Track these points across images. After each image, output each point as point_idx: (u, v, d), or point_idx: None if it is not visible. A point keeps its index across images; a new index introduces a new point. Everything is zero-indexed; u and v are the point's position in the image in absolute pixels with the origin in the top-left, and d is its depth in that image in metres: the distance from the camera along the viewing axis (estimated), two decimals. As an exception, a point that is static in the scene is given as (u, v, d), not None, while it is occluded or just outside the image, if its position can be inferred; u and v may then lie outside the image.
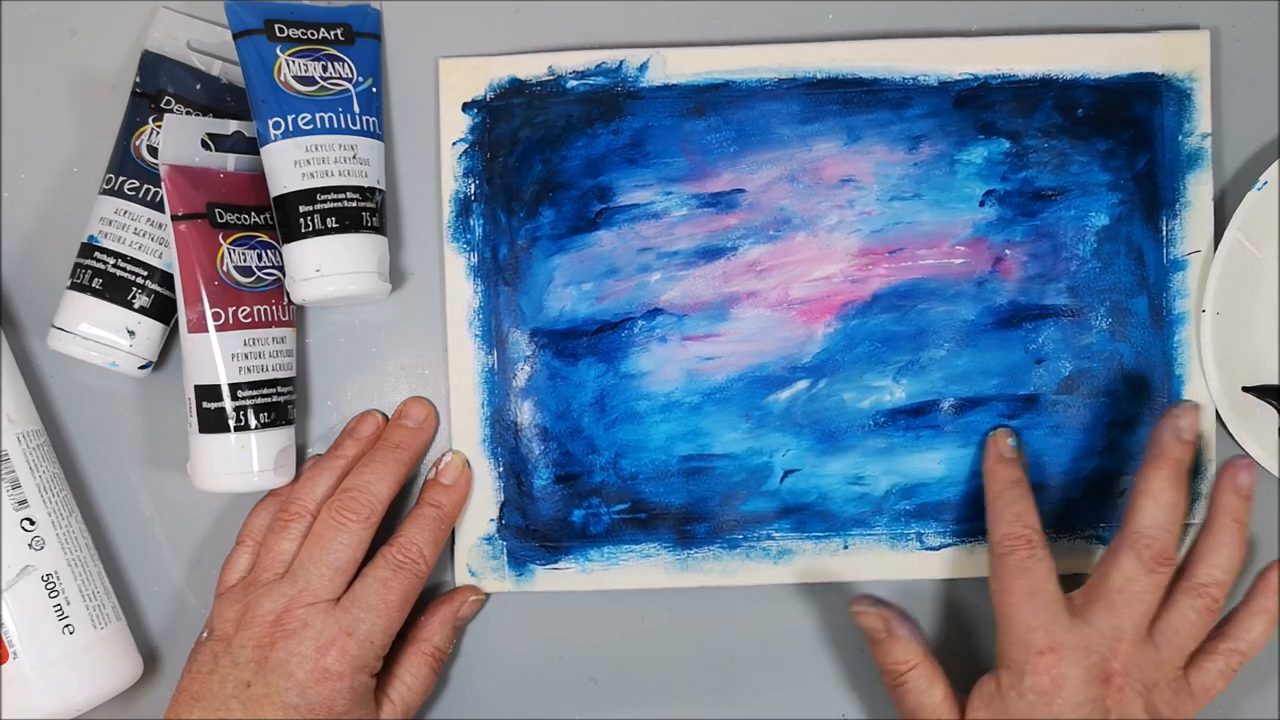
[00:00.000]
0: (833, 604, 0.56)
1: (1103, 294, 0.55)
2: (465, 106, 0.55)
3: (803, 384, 0.55)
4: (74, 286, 0.53)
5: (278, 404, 0.53)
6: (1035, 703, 0.49)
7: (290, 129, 0.51)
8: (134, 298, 0.53)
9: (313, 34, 0.53)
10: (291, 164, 0.51)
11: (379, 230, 0.53)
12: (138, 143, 0.54)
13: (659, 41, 0.56)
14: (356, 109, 0.53)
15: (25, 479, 0.52)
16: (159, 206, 0.53)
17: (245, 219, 0.53)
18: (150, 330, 0.53)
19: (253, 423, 0.52)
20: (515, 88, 0.55)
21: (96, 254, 0.53)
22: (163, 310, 0.53)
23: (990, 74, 0.55)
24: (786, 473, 0.55)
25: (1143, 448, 0.55)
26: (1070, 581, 0.52)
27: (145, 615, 0.57)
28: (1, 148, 0.56)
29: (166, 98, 0.54)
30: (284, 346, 0.53)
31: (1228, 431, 0.55)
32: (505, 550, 0.56)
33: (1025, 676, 0.49)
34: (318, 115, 0.52)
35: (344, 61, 0.53)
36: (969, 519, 0.55)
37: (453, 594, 0.55)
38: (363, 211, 0.52)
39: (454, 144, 0.55)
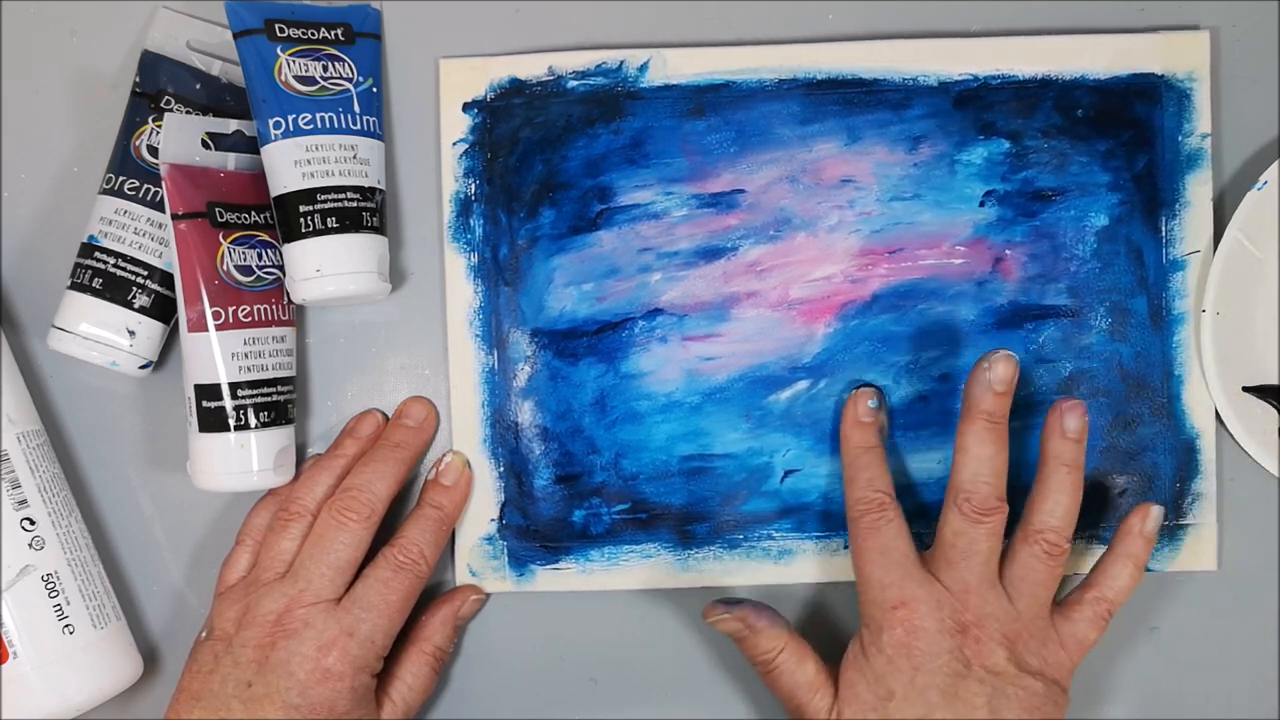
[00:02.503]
0: (833, 604, 0.56)
1: (1102, 294, 0.55)
2: (466, 106, 0.55)
3: (803, 384, 0.55)
4: (74, 286, 0.53)
5: (278, 403, 0.53)
6: (894, 656, 0.49)
7: (290, 129, 0.51)
8: (134, 297, 0.53)
9: (313, 34, 0.53)
10: (292, 164, 0.51)
11: (379, 230, 0.53)
12: (138, 142, 0.54)
13: (659, 42, 0.56)
14: (357, 109, 0.53)
15: (25, 479, 0.52)
16: (159, 206, 0.53)
17: (245, 218, 0.53)
18: (150, 330, 0.53)
19: (252, 422, 0.52)
20: (515, 88, 0.55)
21: (96, 254, 0.53)
22: (163, 310, 0.53)
23: (990, 74, 0.55)
24: (787, 473, 0.55)
25: (1143, 448, 0.55)
26: (1068, 583, 0.53)
27: (145, 615, 0.57)
28: (1, 148, 0.56)
29: (166, 97, 0.54)
30: (284, 346, 0.53)
31: (1228, 431, 0.55)
32: (506, 550, 0.56)
33: (883, 632, 0.49)
34: (318, 115, 0.52)
35: (344, 61, 0.53)
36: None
37: (453, 593, 0.55)
38: (363, 211, 0.52)
39: (454, 144, 0.55)
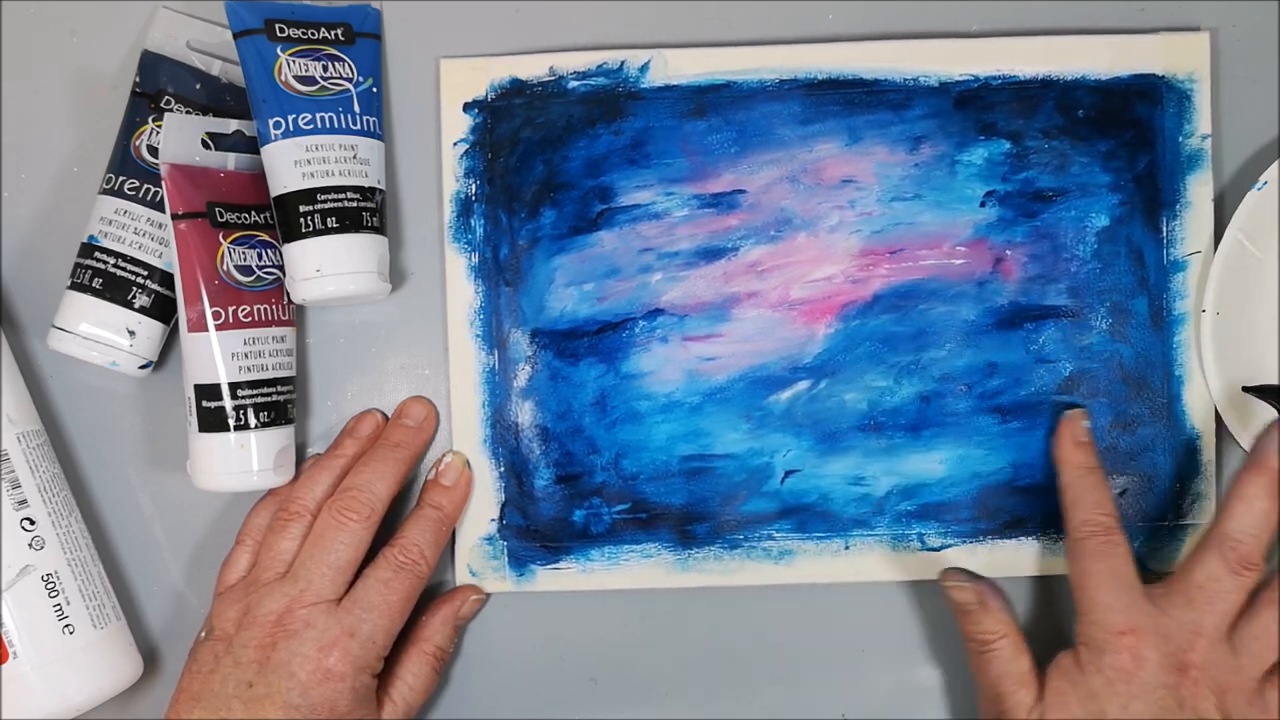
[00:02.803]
0: (833, 604, 0.56)
1: (1103, 295, 0.55)
2: (466, 107, 0.55)
3: (803, 384, 0.55)
4: (74, 286, 0.53)
5: (277, 403, 0.53)
6: (1114, 679, 0.49)
7: (290, 129, 0.51)
8: (134, 297, 0.53)
9: (313, 34, 0.53)
10: (292, 164, 0.51)
11: (379, 230, 0.53)
12: (138, 142, 0.53)
13: (660, 42, 0.56)
14: (357, 109, 0.53)
15: (25, 479, 0.52)
16: (159, 206, 0.53)
17: (245, 218, 0.53)
18: (150, 330, 0.53)
19: (252, 422, 0.52)
20: (516, 88, 0.55)
21: (96, 254, 0.53)
22: (163, 310, 0.53)
23: (991, 75, 0.55)
24: (787, 473, 0.55)
25: (1143, 448, 0.55)
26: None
27: (145, 615, 0.57)
28: (1, 148, 0.56)
29: (166, 97, 0.54)
30: (284, 346, 0.53)
31: (1228, 432, 0.55)
32: (506, 550, 0.56)
33: (1106, 654, 0.49)
34: (318, 115, 0.52)
35: (344, 61, 0.53)
36: (970, 520, 0.55)
37: (453, 593, 0.55)
38: (363, 211, 0.52)
39: (455, 144, 0.55)
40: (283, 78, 0.52)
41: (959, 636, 0.55)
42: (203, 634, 0.52)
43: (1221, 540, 0.50)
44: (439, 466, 0.55)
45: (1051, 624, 0.56)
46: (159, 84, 0.54)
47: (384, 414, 0.56)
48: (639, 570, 0.56)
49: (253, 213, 0.53)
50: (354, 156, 0.52)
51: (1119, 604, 0.50)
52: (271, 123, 0.51)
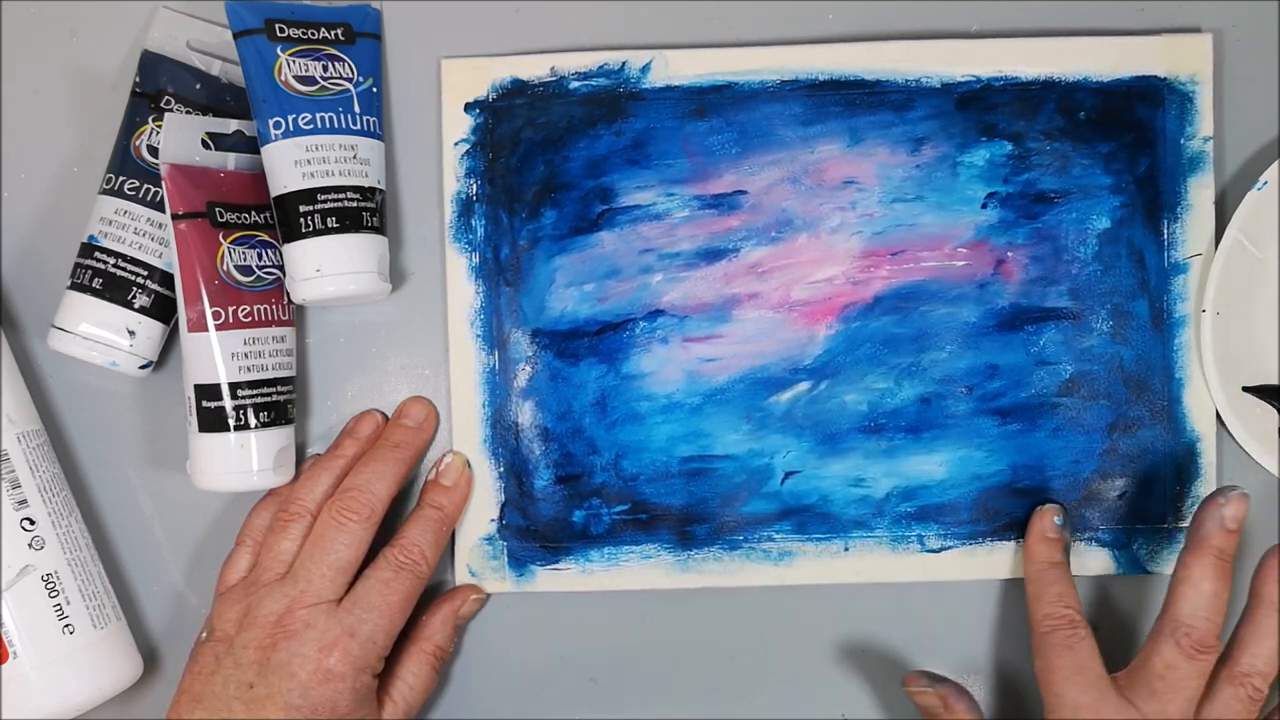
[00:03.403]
0: (833, 605, 0.56)
1: (1104, 297, 0.55)
2: (467, 107, 0.55)
3: (804, 386, 0.55)
4: (74, 286, 0.53)
5: (277, 403, 0.53)
6: None
7: (290, 129, 0.51)
8: (134, 297, 0.53)
9: (313, 34, 0.53)
10: (292, 164, 0.51)
11: (379, 230, 0.53)
12: (138, 142, 0.53)
13: (661, 43, 0.55)
14: (357, 109, 0.53)
15: (25, 479, 0.52)
16: (159, 206, 0.53)
17: (245, 218, 0.53)
18: (150, 330, 0.53)
19: (252, 422, 0.52)
20: (517, 88, 0.55)
21: (96, 254, 0.53)
22: (163, 310, 0.53)
23: (992, 76, 0.55)
24: (787, 474, 0.55)
25: (1143, 450, 0.55)
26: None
27: (145, 615, 0.57)
28: (1, 148, 0.56)
29: (166, 97, 0.54)
30: (284, 346, 0.53)
31: (1228, 432, 0.55)
32: (506, 550, 0.56)
33: None
34: (318, 115, 0.52)
35: (344, 61, 0.53)
36: (970, 521, 0.55)
37: (453, 593, 0.55)
38: (363, 211, 0.52)
39: (456, 144, 0.55)
40: (283, 78, 0.52)
41: (959, 636, 0.55)
42: (203, 635, 0.52)
43: (1175, 627, 0.50)
44: (439, 467, 0.55)
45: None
46: (159, 84, 0.54)
47: (384, 414, 0.56)
48: (639, 571, 0.56)
49: (253, 213, 0.53)
50: (354, 156, 0.52)
51: (1086, 700, 0.50)
52: (271, 123, 0.51)
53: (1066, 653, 0.50)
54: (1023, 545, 0.55)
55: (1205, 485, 0.55)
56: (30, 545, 0.51)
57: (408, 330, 0.56)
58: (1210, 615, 0.50)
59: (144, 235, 0.53)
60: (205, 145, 0.52)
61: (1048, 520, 0.54)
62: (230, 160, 0.53)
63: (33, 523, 0.51)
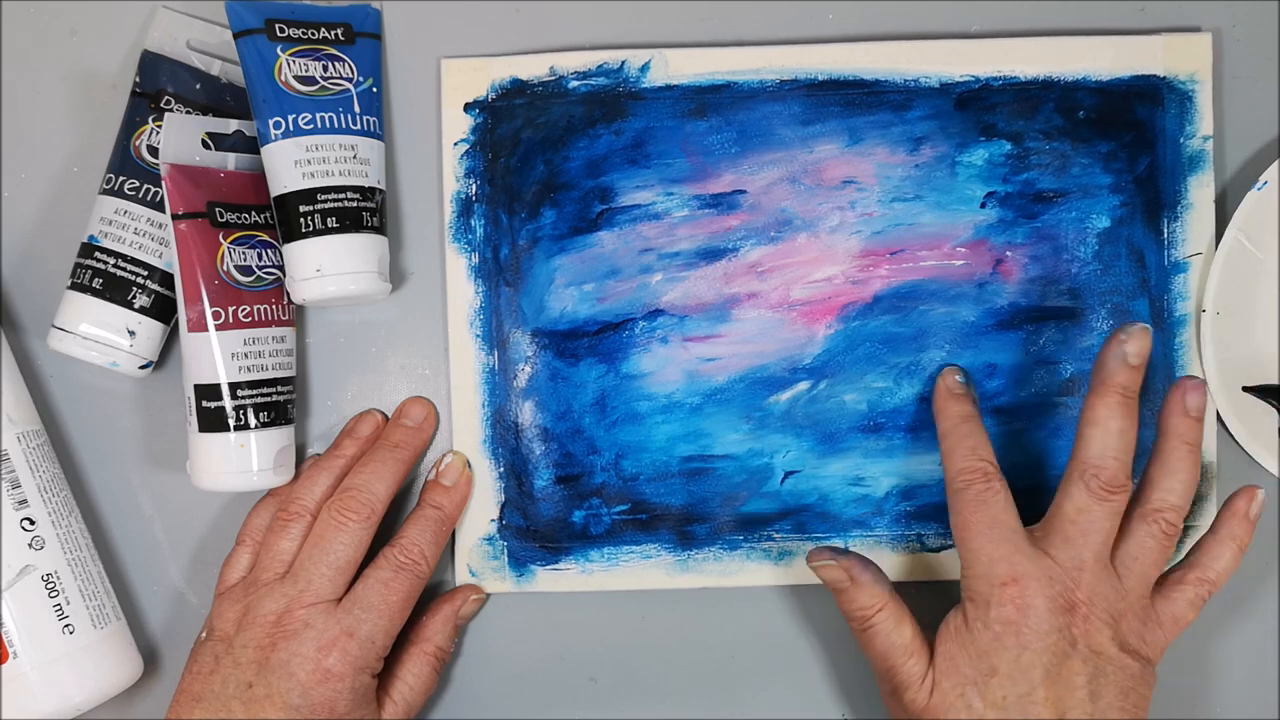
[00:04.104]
0: (833, 605, 0.56)
1: (1104, 296, 0.55)
2: (467, 107, 0.55)
3: (803, 385, 0.55)
4: (74, 286, 0.53)
5: (277, 403, 0.53)
6: (1002, 633, 0.48)
7: (291, 129, 0.51)
8: (134, 297, 0.53)
9: (313, 34, 0.53)
10: (292, 164, 0.51)
11: (379, 230, 0.53)
12: (138, 142, 0.53)
13: (661, 42, 0.56)
14: (357, 109, 0.53)
15: (25, 479, 0.52)
16: (159, 206, 0.53)
17: (245, 218, 0.53)
18: (150, 330, 0.53)
19: (252, 422, 0.52)
20: (517, 88, 0.55)
21: (97, 254, 0.53)
22: (163, 310, 0.53)
23: (992, 76, 0.55)
24: (787, 474, 0.55)
25: (1143, 450, 0.55)
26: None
27: (145, 615, 0.57)
28: (1, 148, 0.56)
29: (166, 97, 0.54)
30: (284, 346, 0.53)
31: (1228, 431, 0.55)
32: (506, 550, 0.56)
33: (991, 608, 0.49)
34: (318, 115, 0.52)
35: (344, 61, 0.53)
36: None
37: (453, 593, 0.55)
38: (363, 211, 0.52)
39: (455, 144, 0.55)
40: (283, 78, 0.52)
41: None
42: (203, 634, 0.52)
43: (1083, 469, 0.49)
44: (439, 467, 0.55)
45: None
46: (159, 84, 0.54)
47: (384, 414, 0.56)
48: (639, 571, 0.56)
49: (253, 213, 0.53)
50: (354, 156, 0.52)
51: (1000, 553, 0.49)
52: (271, 123, 0.51)
53: (981, 507, 0.50)
54: (933, 407, 0.54)
55: (1205, 484, 0.55)
56: (30, 545, 0.51)
57: (408, 330, 0.56)
58: (1118, 454, 0.49)
59: (144, 235, 0.53)
60: (205, 145, 0.52)
61: (951, 379, 0.54)
62: (230, 160, 0.53)
63: (33, 523, 0.51)
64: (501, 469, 0.56)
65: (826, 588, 0.52)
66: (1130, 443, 0.49)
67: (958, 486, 0.51)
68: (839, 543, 0.55)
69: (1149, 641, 0.50)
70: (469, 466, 0.55)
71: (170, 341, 0.55)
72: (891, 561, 0.56)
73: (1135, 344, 0.49)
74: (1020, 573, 0.49)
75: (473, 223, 0.55)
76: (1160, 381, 0.55)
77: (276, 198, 0.52)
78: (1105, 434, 0.49)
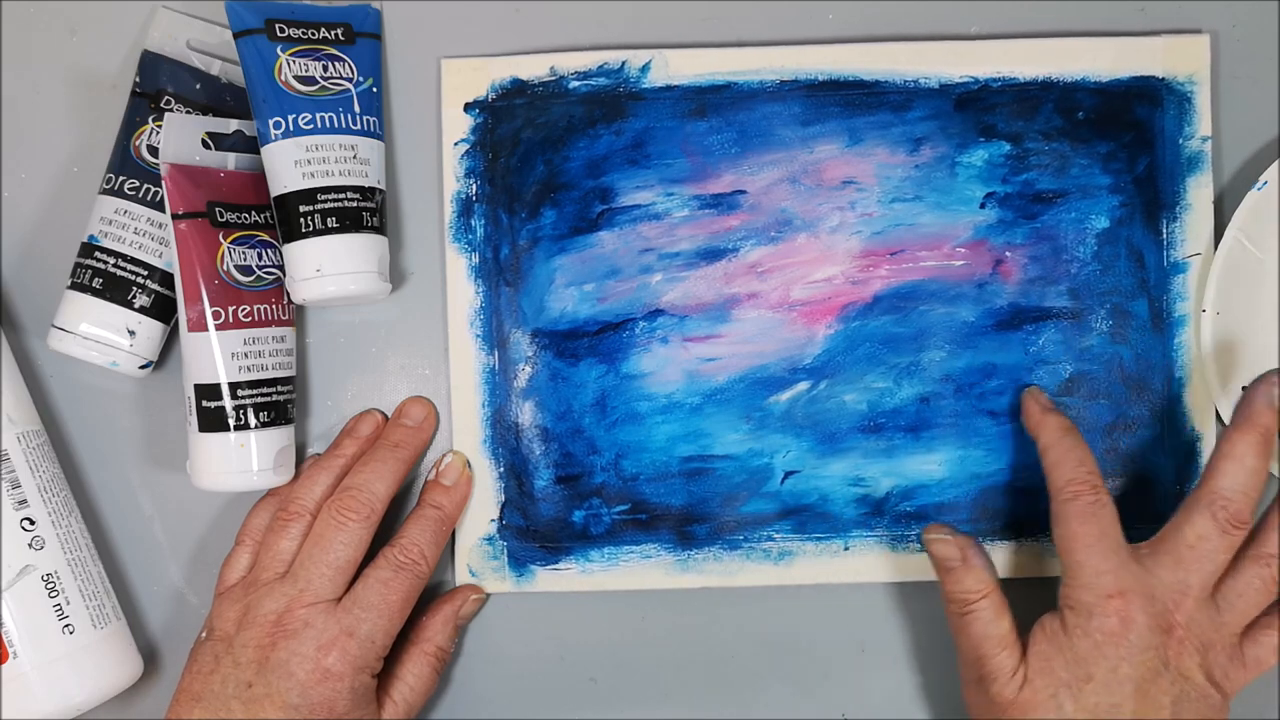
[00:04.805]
0: (834, 605, 0.56)
1: (1103, 296, 0.55)
2: (467, 107, 0.55)
3: (803, 385, 0.55)
4: (74, 286, 0.53)
5: (277, 403, 0.53)
6: (1102, 643, 0.49)
7: (291, 129, 0.51)
8: (134, 297, 0.53)
9: (313, 34, 0.53)
10: (292, 164, 0.51)
11: (379, 230, 0.53)
12: (138, 142, 0.53)
13: (661, 42, 0.56)
14: (357, 109, 0.53)
15: (25, 479, 0.52)
16: (159, 206, 0.53)
17: (245, 218, 0.53)
18: (150, 330, 0.53)
19: (252, 422, 0.52)
20: (517, 88, 0.55)
21: (97, 254, 0.53)
22: (163, 310, 0.53)
23: (991, 76, 0.55)
24: (787, 474, 0.55)
25: (1143, 450, 0.55)
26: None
27: (145, 615, 0.57)
28: (1, 148, 0.56)
29: (166, 97, 0.54)
30: (284, 345, 0.53)
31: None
32: (506, 551, 0.56)
33: (1093, 617, 0.49)
34: (318, 115, 0.52)
35: (345, 61, 0.53)
36: (970, 520, 0.55)
37: (454, 593, 0.55)
38: (363, 211, 0.52)
39: (456, 144, 0.55)
40: (283, 78, 0.52)
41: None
42: (203, 634, 0.52)
43: (1212, 499, 0.50)
44: (439, 467, 0.55)
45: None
46: (159, 84, 0.54)
47: (384, 414, 0.56)
48: (639, 571, 0.56)
49: (253, 212, 0.53)
50: (354, 156, 0.52)
51: (1107, 566, 0.49)
52: (272, 123, 0.51)
53: (1089, 520, 0.50)
54: (1025, 422, 0.54)
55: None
56: (30, 545, 0.51)
57: (408, 330, 0.56)
58: (1249, 491, 0.50)
59: (144, 235, 0.53)
60: (205, 145, 0.52)
61: (1041, 396, 0.54)
62: (230, 160, 0.53)
63: (33, 523, 0.51)
64: (501, 469, 0.56)
65: (933, 563, 0.53)
66: (1261, 482, 0.50)
67: (1066, 497, 0.51)
68: (839, 544, 0.55)
69: (1231, 677, 0.50)
70: (469, 466, 0.56)
71: (170, 341, 0.55)
72: (891, 561, 0.56)
73: None
74: (1126, 587, 0.49)
75: (473, 223, 0.55)
76: (1159, 382, 0.55)
77: (276, 198, 0.52)
78: (1240, 469, 0.50)
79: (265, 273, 0.53)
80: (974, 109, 0.55)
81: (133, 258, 0.53)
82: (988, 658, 0.50)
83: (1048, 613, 0.51)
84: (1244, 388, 0.54)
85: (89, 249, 0.53)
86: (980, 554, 0.52)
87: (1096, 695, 0.49)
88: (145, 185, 0.53)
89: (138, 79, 0.54)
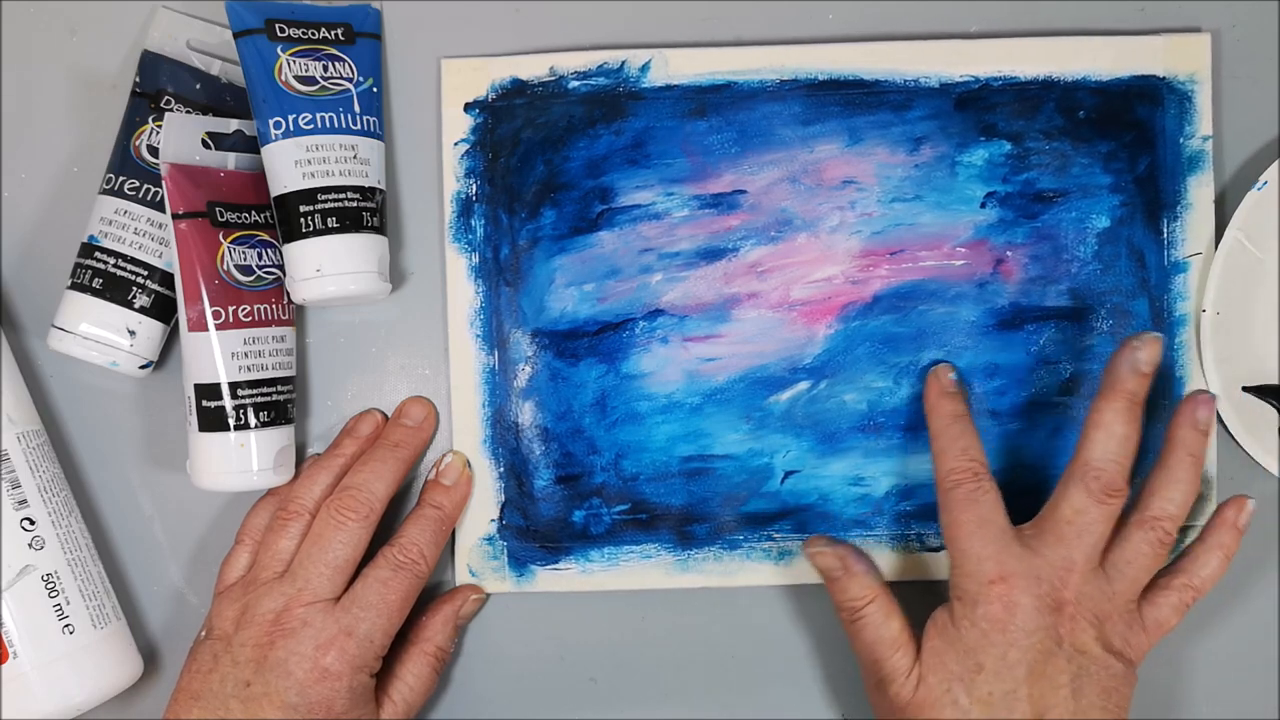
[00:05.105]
0: (833, 605, 0.56)
1: (1104, 296, 0.55)
2: (467, 107, 0.55)
3: (803, 385, 0.55)
4: (74, 286, 0.53)
5: (277, 403, 0.53)
6: (988, 630, 0.49)
7: (291, 129, 0.51)
8: (134, 297, 0.53)
9: (313, 34, 0.53)
10: (292, 164, 0.51)
11: (379, 230, 0.53)
12: (138, 142, 0.53)
13: (661, 42, 0.56)
14: (357, 109, 0.53)
15: (25, 479, 0.52)
16: (159, 206, 0.53)
17: (246, 218, 0.53)
18: (150, 330, 0.53)
19: (252, 421, 0.52)
20: (517, 88, 0.55)
21: (97, 254, 0.53)
22: (163, 310, 0.53)
23: (992, 76, 0.55)
24: (787, 474, 0.55)
25: (1143, 450, 0.55)
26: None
27: (145, 615, 0.57)
28: (1, 148, 0.56)
29: (166, 97, 0.54)
30: (284, 345, 0.53)
31: (1228, 431, 0.55)
32: (506, 551, 0.56)
33: (978, 605, 0.49)
34: (318, 115, 0.52)
35: (345, 61, 0.53)
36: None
37: (453, 593, 0.55)
38: (363, 211, 0.52)
39: (456, 144, 0.55)
40: (283, 78, 0.52)
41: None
42: (202, 633, 0.52)
43: (1084, 471, 0.50)
44: (439, 466, 0.55)
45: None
46: (159, 84, 0.54)
47: (384, 414, 0.56)
48: (639, 571, 0.56)
49: (253, 212, 0.53)
50: (354, 156, 0.52)
51: (988, 552, 0.49)
52: (272, 123, 0.51)
53: (971, 506, 0.50)
54: (924, 403, 0.54)
55: (1205, 484, 0.55)
56: (30, 545, 0.51)
57: (408, 330, 0.56)
58: (1120, 459, 0.50)
59: (144, 235, 0.53)
60: (205, 145, 0.53)
61: (944, 377, 0.54)
62: (230, 160, 0.53)
63: (33, 523, 0.51)
64: (501, 469, 0.56)
65: (820, 576, 0.53)
66: (1132, 449, 0.50)
67: (948, 485, 0.51)
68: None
69: (1132, 644, 0.50)
70: (469, 466, 0.55)
71: (170, 341, 0.55)
72: (891, 561, 0.56)
73: (1147, 352, 0.50)
74: (1008, 571, 0.49)
75: (473, 223, 0.55)
76: (1158, 381, 0.55)
77: (277, 198, 0.52)
78: (1109, 437, 0.50)
79: (265, 273, 0.53)
80: (974, 108, 0.55)
81: (133, 258, 0.53)
82: (882, 660, 0.50)
83: (940, 606, 0.51)
84: (1244, 388, 0.55)
85: (89, 249, 0.53)
86: (861, 560, 0.52)
87: (989, 684, 0.49)
88: (145, 185, 0.53)
89: (138, 79, 0.54)
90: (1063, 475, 0.50)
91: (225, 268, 0.52)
